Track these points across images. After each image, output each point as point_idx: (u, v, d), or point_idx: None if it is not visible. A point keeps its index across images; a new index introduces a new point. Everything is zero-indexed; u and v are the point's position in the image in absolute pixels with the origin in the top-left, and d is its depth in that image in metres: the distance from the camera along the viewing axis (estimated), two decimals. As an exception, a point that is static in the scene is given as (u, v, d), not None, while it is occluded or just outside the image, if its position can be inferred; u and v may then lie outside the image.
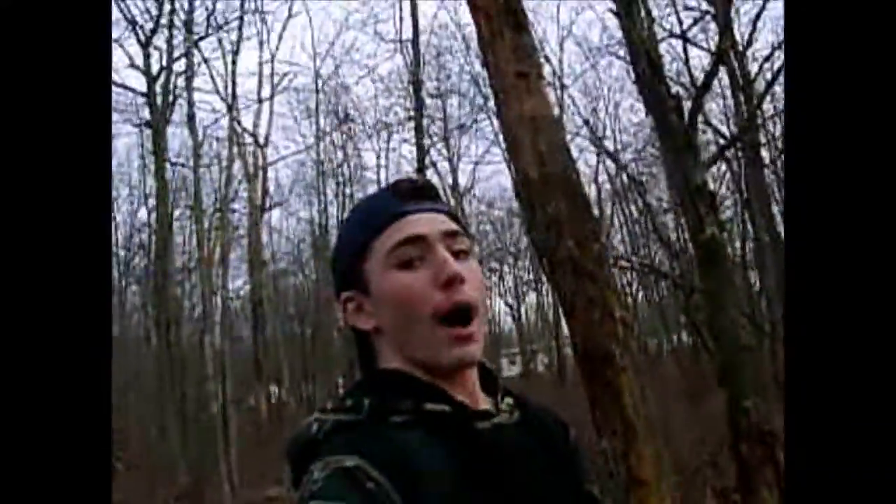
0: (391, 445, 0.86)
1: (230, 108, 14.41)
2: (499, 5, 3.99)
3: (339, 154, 21.50)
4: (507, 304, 33.14)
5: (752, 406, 3.70)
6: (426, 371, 0.95)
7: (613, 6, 4.01)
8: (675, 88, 4.33)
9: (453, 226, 0.99)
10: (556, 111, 19.01)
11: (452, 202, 24.42)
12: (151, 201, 17.63)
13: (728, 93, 13.38)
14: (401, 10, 15.22)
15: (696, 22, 8.24)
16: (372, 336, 1.00)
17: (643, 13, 3.51)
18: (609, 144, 19.00)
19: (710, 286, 3.93)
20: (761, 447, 3.63)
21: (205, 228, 14.80)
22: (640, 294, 24.17)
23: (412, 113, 13.38)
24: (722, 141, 10.14)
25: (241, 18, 15.94)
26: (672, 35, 8.47)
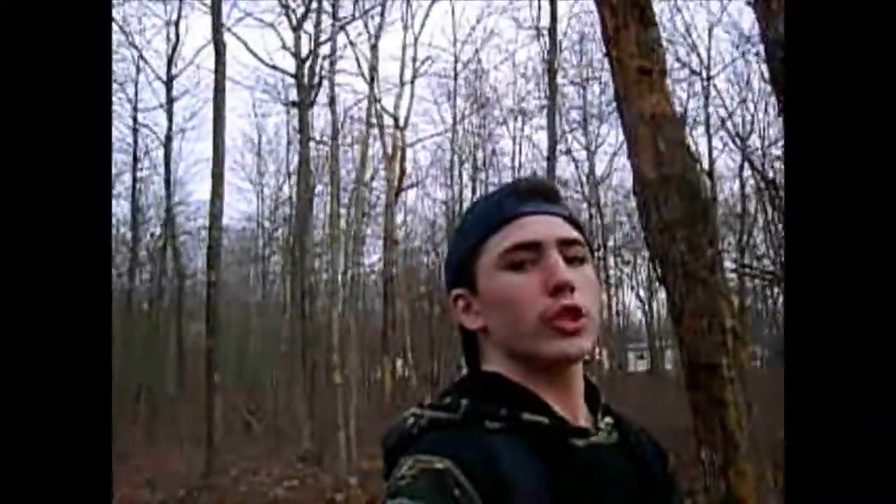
0: (483, 451, 0.84)
1: (371, 91, 14.85)
2: (625, -2, 3.90)
3: (475, 138, 21.63)
4: (638, 297, 32.34)
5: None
6: (529, 373, 0.93)
7: None
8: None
9: (571, 232, 0.96)
10: (700, 102, 18.21)
11: (587, 190, 24.03)
12: (295, 177, 18.56)
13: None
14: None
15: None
16: (478, 336, 0.99)
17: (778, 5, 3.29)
18: (755, 139, 17.99)
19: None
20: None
21: (341, 205, 15.39)
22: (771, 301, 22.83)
23: (540, 97, 13.24)
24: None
25: (383, 4, 16.34)
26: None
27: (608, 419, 0.99)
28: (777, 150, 16.96)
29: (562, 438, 0.90)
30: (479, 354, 1.00)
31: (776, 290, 21.73)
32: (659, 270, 3.82)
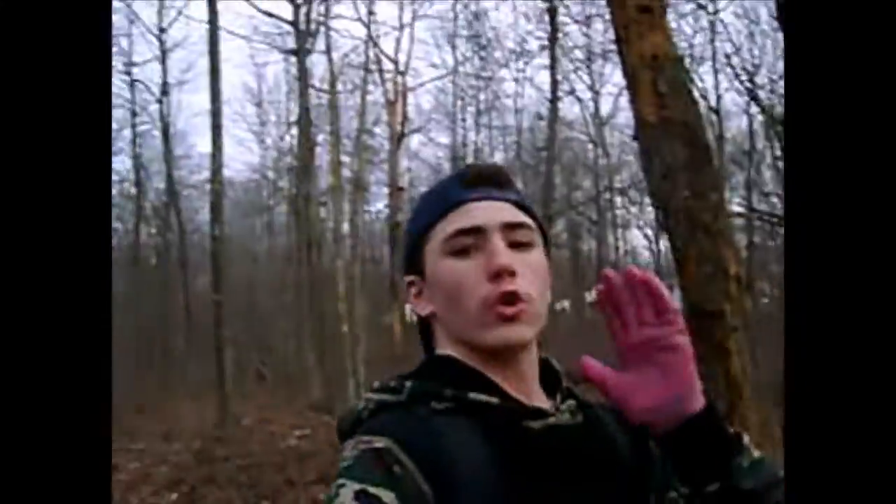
0: (426, 431, 0.85)
1: (369, 34, 14.54)
2: (623, -66, 3.73)
3: (477, 81, 21.27)
4: (645, 236, 32.22)
5: None
6: (479, 357, 0.93)
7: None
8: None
9: (518, 216, 0.96)
10: (706, 37, 17.77)
11: (593, 131, 23.71)
12: (296, 127, 18.33)
13: None
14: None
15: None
16: (430, 321, 0.99)
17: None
18: (764, 75, 17.56)
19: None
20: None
21: (344, 153, 15.24)
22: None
23: (541, 38, 12.94)
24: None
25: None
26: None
27: (571, 401, 0.97)
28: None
29: (513, 419, 0.89)
30: (433, 339, 1.00)
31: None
32: (661, 216, 3.75)
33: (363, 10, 16.26)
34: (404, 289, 1.03)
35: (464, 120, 23.05)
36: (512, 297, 0.89)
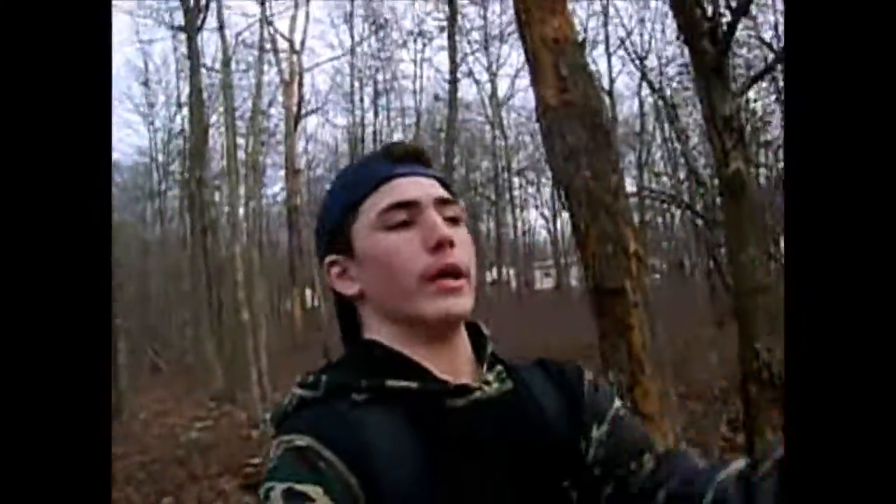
0: (345, 426, 0.83)
1: (263, 13, 14.11)
2: (521, -86, 3.75)
3: (375, 61, 21.06)
4: (542, 216, 33.00)
5: (762, 348, 3.62)
6: (408, 337, 0.91)
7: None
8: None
9: (445, 193, 0.96)
10: (599, 21, 18.25)
11: (490, 112, 23.97)
12: (187, 108, 17.63)
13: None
14: None
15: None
16: (356, 303, 0.96)
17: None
18: (653, 59, 18.24)
19: (731, 222, 3.78)
20: (770, 389, 3.57)
21: (239, 135, 14.77)
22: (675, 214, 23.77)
23: (440, 19, 12.94)
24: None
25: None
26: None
27: (498, 367, 0.96)
28: (672, 70, 17.31)
29: (435, 402, 0.88)
30: (358, 324, 0.97)
31: (673, 207, 22.58)
32: (564, 197, 3.83)
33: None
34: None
35: (362, 101, 22.83)
36: (455, 270, 0.89)
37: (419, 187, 0.94)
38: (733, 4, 3.65)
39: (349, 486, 0.79)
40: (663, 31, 16.44)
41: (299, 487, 0.76)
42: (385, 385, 0.87)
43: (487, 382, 0.93)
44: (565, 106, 3.65)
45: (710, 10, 3.64)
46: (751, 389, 3.65)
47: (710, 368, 8.52)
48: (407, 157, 0.97)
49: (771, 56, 9.79)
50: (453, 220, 0.94)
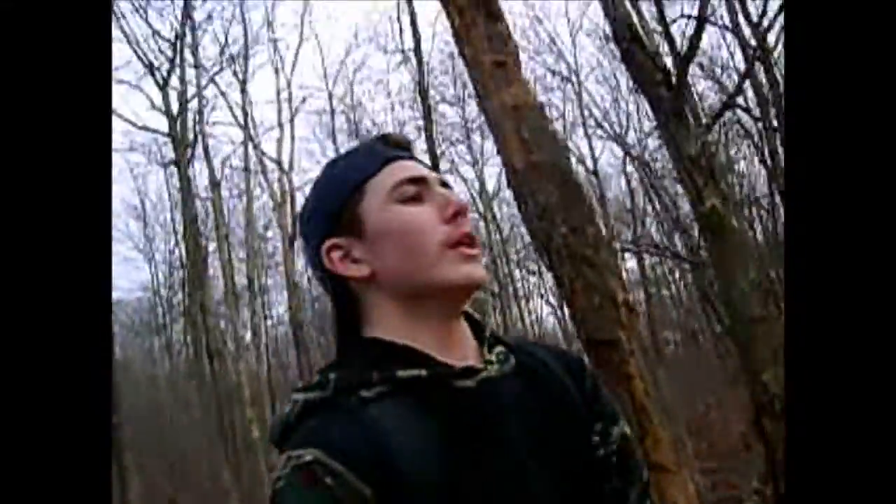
0: (358, 427, 0.81)
1: (248, 137, 14.56)
2: (470, -3, 3.93)
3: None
4: (548, 303, 32.82)
5: (770, 378, 3.53)
6: (422, 314, 0.91)
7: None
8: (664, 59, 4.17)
9: (445, 180, 1.00)
10: (575, 107, 18.81)
11: (482, 207, 24.28)
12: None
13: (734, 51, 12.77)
14: (399, 21, 15.22)
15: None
16: (357, 291, 0.94)
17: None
18: (632, 136, 18.68)
19: (717, 259, 3.76)
20: (783, 420, 3.47)
21: (236, 259, 14.93)
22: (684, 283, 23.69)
23: (419, 122, 13.36)
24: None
25: (245, 45, 16.13)
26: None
27: (499, 348, 0.96)
28: (654, 142, 17.66)
29: (445, 386, 0.87)
30: (359, 314, 0.95)
31: (678, 273, 22.51)
32: (545, 257, 3.83)
33: (240, 113, 16.32)
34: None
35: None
36: (472, 238, 0.92)
37: (421, 168, 0.97)
38: (680, 51, 3.79)
39: (361, 498, 0.77)
40: (637, 105, 16.90)
41: None
42: (396, 375, 0.86)
43: (490, 363, 0.93)
44: (532, 167, 3.72)
45: (660, 60, 3.77)
46: (766, 425, 3.53)
47: (730, 425, 8.29)
48: (402, 144, 1.01)
49: (725, 96, 9.93)
50: None
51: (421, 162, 1.00)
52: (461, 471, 0.81)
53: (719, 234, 3.79)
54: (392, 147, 0.99)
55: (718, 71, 14.16)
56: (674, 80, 3.75)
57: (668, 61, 4.55)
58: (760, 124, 10.85)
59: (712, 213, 3.71)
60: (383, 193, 0.93)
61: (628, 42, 3.68)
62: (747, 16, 9.84)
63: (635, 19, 4.48)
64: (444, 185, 0.97)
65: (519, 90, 3.86)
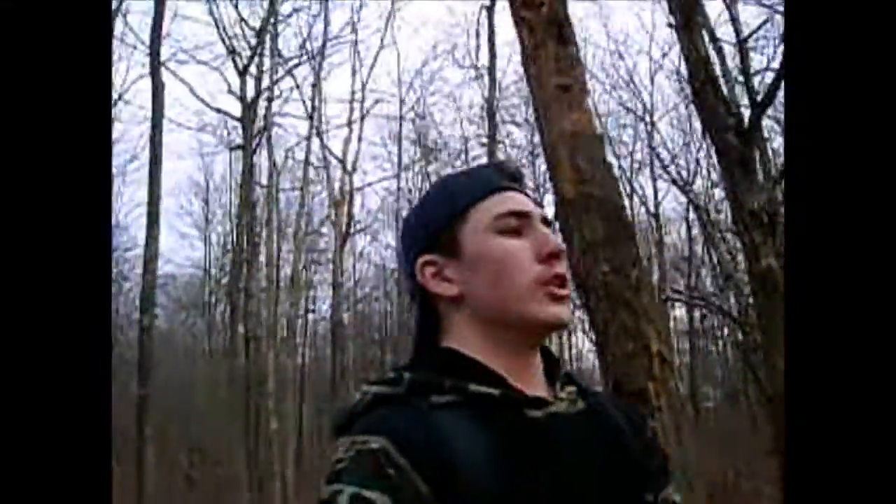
0: (424, 426, 0.83)
1: (317, 132, 14.71)
2: (542, 17, 3.82)
3: (422, 182, 21.58)
4: (591, 340, 32.34)
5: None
6: (503, 341, 0.93)
7: (672, 20, 3.73)
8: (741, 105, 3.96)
9: (548, 216, 1.01)
10: (644, 147, 18.49)
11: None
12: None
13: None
14: (478, 37, 15.19)
15: (758, 28, 7.35)
16: (442, 308, 0.97)
17: (701, 22, 3.23)
18: (699, 183, 18.25)
19: (765, 322, 3.53)
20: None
21: (285, 250, 15.04)
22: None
23: (485, 140, 13.28)
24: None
25: (323, 44, 16.32)
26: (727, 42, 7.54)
27: (570, 388, 0.98)
28: (720, 193, 17.19)
29: (515, 409, 0.89)
30: (441, 328, 0.97)
31: (726, 329, 21.85)
32: (581, 294, 3.66)
33: (311, 110, 16.51)
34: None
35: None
36: (564, 281, 0.94)
37: (528, 203, 0.98)
38: (757, 98, 3.59)
39: (419, 495, 0.78)
40: (708, 154, 16.48)
41: (367, 494, 0.76)
42: (468, 389, 0.87)
43: (560, 399, 0.94)
44: (583, 198, 3.56)
45: (733, 105, 3.58)
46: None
47: (760, 496, 7.92)
48: (516, 176, 1.02)
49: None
50: None
51: (528, 195, 1.01)
52: (517, 488, 0.82)
53: (771, 296, 3.56)
54: (504, 176, 1.01)
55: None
56: (745, 126, 3.55)
57: (746, 114, 4.35)
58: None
59: (767, 273, 3.49)
60: (486, 221, 0.95)
61: (701, 83, 3.51)
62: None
63: (716, 62, 4.29)
64: (546, 222, 0.98)
65: (581, 117, 3.72)
